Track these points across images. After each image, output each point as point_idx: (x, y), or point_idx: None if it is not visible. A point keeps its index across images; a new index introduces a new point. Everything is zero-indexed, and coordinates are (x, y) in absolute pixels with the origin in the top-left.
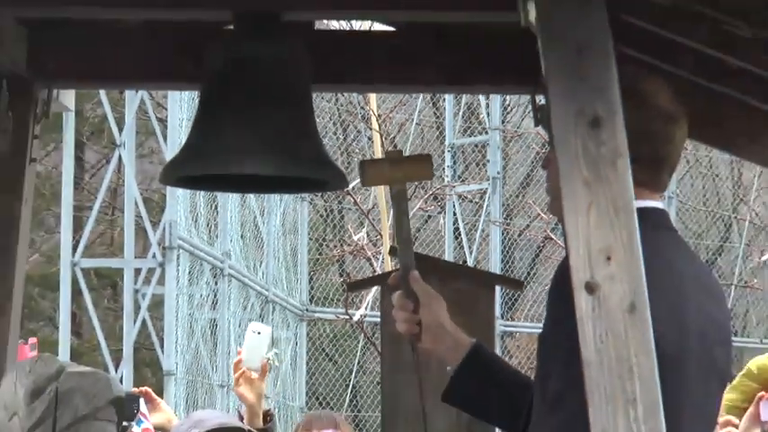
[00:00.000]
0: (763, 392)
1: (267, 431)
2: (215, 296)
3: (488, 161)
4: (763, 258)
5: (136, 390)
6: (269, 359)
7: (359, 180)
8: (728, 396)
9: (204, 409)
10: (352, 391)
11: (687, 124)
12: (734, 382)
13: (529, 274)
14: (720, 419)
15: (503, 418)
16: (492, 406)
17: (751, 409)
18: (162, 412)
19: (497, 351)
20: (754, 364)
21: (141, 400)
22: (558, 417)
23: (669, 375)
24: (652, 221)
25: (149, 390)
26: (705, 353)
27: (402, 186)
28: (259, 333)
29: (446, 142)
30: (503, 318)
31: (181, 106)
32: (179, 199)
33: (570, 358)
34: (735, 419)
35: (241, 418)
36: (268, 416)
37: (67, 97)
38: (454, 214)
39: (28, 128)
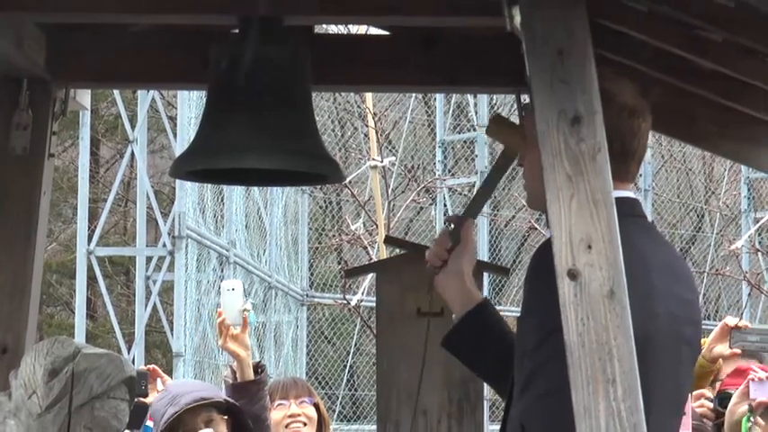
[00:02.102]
0: (753, 375)
1: (259, 382)
2: (221, 282)
3: (476, 156)
4: (732, 247)
5: (143, 368)
6: (245, 310)
7: (355, 173)
8: None
9: (179, 381)
10: (349, 371)
11: (651, 116)
12: None
13: (515, 261)
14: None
15: (492, 376)
16: (485, 361)
17: (741, 388)
18: None
19: None
20: None
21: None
22: (527, 398)
23: (639, 357)
24: (622, 210)
25: (156, 367)
26: (675, 332)
27: (513, 152)
28: (233, 289)
29: (437, 139)
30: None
31: (190, 105)
32: (188, 191)
33: (539, 346)
34: (707, 392)
35: (234, 374)
36: (259, 367)
37: (84, 96)
38: (445, 206)
39: (46, 125)
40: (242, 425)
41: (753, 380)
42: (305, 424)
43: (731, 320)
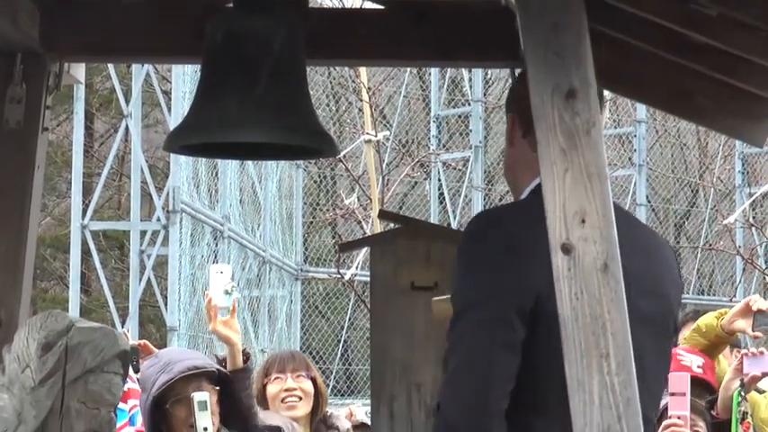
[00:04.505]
0: (746, 350)
1: (246, 370)
2: (215, 257)
3: (471, 131)
4: (726, 222)
5: (134, 342)
6: (228, 291)
7: (350, 148)
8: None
9: (170, 348)
10: (343, 346)
11: None
12: (686, 335)
13: None
14: None
15: None
16: None
17: (735, 364)
18: None
19: None
20: (702, 321)
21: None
22: (446, 373)
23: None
24: None
25: (147, 342)
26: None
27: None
28: (222, 272)
29: (431, 113)
30: None
31: (184, 79)
32: (182, 166)
33: (455, 321)
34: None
35: (220, 362)
36: (245, 355)
37: (78, 70)
38: (439, 180)
39: (40, 99)
40: (232, 396)
41: (746, 355)
42: (300, 398)
43: (756, 302)
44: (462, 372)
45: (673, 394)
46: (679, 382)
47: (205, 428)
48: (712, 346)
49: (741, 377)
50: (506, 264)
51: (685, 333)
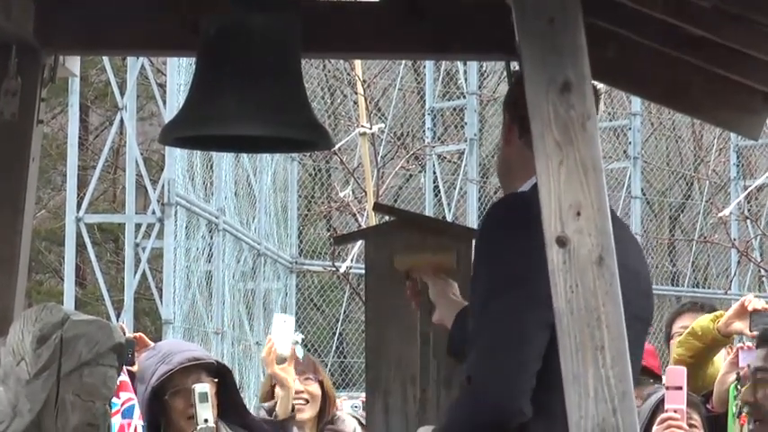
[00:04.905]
0: (742, 344)
1: (293, 418)
2: (210, 249)
3: (466, 123)
4: (721, 214)
5: (130, 335)
6: (296, 342)
7: (344, 141)
8: (677, 350)
9: (168, 341)
10: (338, 339)
11: None
12: (681, 338)
13: None
14: None
15: None
16: None
17: (731, 357)
18: None
19: None
20: (698, 324)
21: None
22: (472, 354)
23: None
24: None
25: (143, 335)
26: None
27: (425, 274)
28: (285, 322)
29: (426, 106)
30: None
31: (179, 72)
32: (177, 158)
33: (486, 301)
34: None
35: (268, 412)
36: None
37: (73, 63)
38: (434, 173)
39: (35, 92)
40: (229, 388)
41: (742, 348)
42: (307, 401)
43: (752, 302)
44: (502, 350)
45: (668, 388)
46: (675, 375)
47: (206, 420)
48: (708, 348)
49: (737, 371)
50: (537, 244)
51: (683, 323)
